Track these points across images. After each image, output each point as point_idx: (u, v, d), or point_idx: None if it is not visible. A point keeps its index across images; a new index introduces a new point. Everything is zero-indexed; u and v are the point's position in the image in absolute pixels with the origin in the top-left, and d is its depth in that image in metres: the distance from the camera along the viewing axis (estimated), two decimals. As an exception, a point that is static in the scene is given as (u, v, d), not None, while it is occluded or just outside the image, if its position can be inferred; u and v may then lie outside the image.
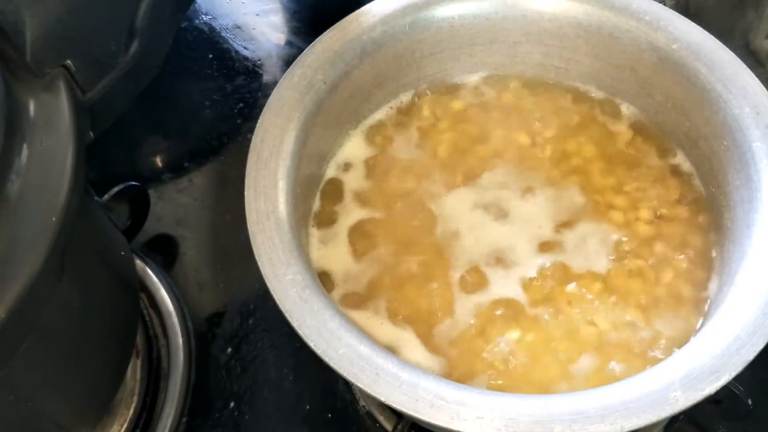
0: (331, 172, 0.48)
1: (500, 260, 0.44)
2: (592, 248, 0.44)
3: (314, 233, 0.46)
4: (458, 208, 0.46)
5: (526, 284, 0.43)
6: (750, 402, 0.44)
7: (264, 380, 0.51)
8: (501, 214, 0.46)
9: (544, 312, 0.42)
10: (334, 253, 0.45)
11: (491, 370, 0.40)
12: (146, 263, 0.55)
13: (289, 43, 0.70)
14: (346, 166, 0.48)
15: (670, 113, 0.47)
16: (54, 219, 0.32)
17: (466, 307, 0.42)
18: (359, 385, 0.34)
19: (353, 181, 0.48)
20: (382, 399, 0.34)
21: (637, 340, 0.41)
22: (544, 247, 0.44)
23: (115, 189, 0.51)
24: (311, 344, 0.35)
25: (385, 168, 0.48)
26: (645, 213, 0.45)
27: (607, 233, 0.45)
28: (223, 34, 0.71)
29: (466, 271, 0.44)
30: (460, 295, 0.43)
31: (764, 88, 0.43)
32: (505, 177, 0.48)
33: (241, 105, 0.65)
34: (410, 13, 0.48)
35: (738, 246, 0.40)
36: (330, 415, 0.49)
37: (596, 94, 0.51)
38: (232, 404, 0.50)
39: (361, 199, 0.47)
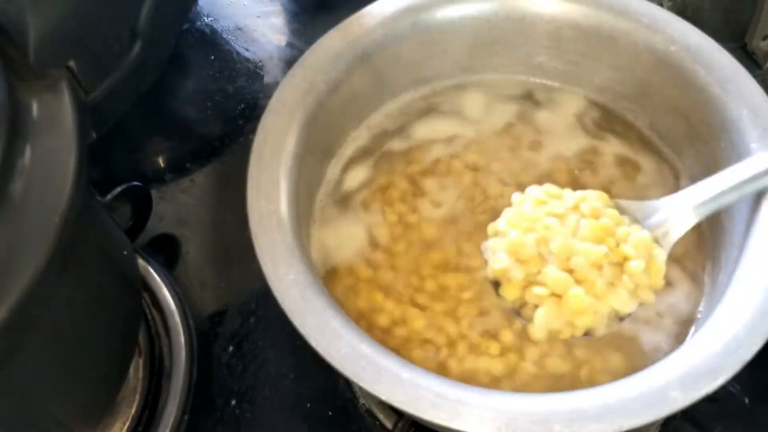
0: (332, 172, 0.49)
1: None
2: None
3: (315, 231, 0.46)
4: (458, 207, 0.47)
5: None
6: (747, 401, 0.45)
7: (265, 379, 0.51)
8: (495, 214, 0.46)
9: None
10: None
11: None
12: (148, 263, 0.55)
13: (290, 44, 0.70)
14: (348, 166, 0.49)
15: (667, 115, 0.48)
16: (57, 219, 0.32)
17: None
18: (360, 384, 0.35)
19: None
20: (384, 398, 0.34)
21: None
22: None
23: (118, 189, 0.51)
24: (313, 343, 0.36)
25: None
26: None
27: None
28: (224, 35, 0.71)
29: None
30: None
31: (762, 90, 0.43)
32: (501, 173, 0.48)
33: (243, 106, 0.65)
34: (411, 15, 0.48)
35: (735, 246, 0.40)
36: (330, 413, 0.49)
37: (595, 96, 0.51)
38: (233, 402, 0.50)
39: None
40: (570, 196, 0.40)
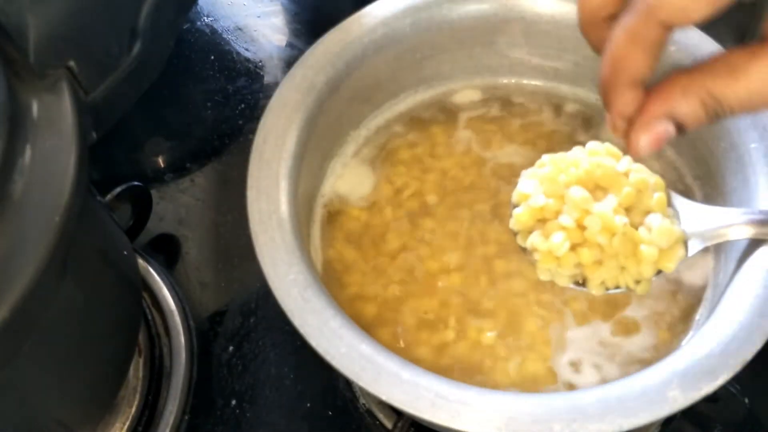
0: (332, 171, 0.49)
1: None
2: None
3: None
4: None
5: None
6: (746, 401, 0.45)
7: (265, 378, 0.51)
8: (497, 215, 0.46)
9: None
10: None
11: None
12: (148, 263, 0.55)
13: (290, 44, 0.70)
14: (347, 166, 0.49)
15: (668, 115, 0.48)
16: (57, 219, 0.32)
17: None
18: (360, 384, 0.35)
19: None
20: (384, 398, 0.34)
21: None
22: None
23: (118, 189, 0.52)
24: (313, 343, 0.36)
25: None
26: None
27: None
28: (224, 35, 0.71)
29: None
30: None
31: (761, 90, 0.43)
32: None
33: (243, 106, 0.65)
34: (411, 14, 0.48)
35: (736, 246, 0.40)
36: (330, 413, 0.50)
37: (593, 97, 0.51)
38: (233, 402, 0.50)
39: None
40: (626, 162, 0.39)
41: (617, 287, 0.38)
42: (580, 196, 0.37)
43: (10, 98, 0.33)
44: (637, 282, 0.38)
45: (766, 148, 0.41)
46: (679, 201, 0.39)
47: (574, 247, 0.37)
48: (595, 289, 0.38)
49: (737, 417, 0.46)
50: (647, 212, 0.38)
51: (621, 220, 0.37)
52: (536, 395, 0.37)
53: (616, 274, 0.38)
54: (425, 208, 0.47)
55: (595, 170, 0.38)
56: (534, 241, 0.38)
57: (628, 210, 0.38)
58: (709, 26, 0.46)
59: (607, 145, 0.40)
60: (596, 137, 0.49)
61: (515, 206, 0.39)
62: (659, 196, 0.38)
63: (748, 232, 0.37)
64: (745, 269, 0.38)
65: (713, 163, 0.44)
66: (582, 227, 0.37)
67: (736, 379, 0.34)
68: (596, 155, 0.39)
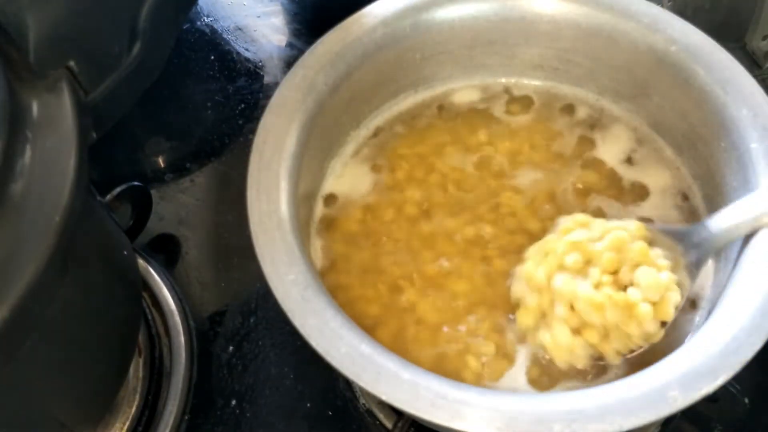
0: (332, 171, 0.49)
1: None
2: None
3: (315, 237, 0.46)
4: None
5: None
6: (746, 401, 0.45)
7: (265, 378, 0.51)
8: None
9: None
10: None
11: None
12: (148, 263, 0.55)
13: (289, 44, 0.70)
14: (347, 165, 0.49)
15: (667, 115, 0.48)
16: (57, 219, 0.32)
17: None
18: (360, 384, 0.35)
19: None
20: (384, 398, 0.34)
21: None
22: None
23: (118, 189, 0.52)
24: (313, 343, 0.36)
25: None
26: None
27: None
28: (224, 35, 0.71)
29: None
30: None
31: (761, 90, 0.43)
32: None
33: (243, 106, 0.65)
34: (411, 15, 0.48)
35: (735, 246, 0.40)
36: (330, 413, 0.50)
37: (595, 96, 0.51)
38: (233, 402, 0.50)
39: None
40: (599, 226, 0.40)
41: (632, 351, 0.39)
42: (562, 284, 0.38)
43: (10, 98, 0.33)
44: (647, 337, 0.38)
45: (766, 148, 0.41)
46: (671, 231, 0.40)
47: (578, 331, 0.38)
48: (613, 359, 0.39)
49: (737, 417, 0.46)
50: (637, 265, 0.38)
51: (603, 295, 0.37)
52: (536, 395, 0.37)
53: (626, 341, 0.38)
54: (425, 208, 0.47)
55: (570, 250, 0.39)
56: (543, 340, 0.39)
57: (615, 273, 0.38)
58: (709, 26, 0.46)
59: (576, 217, 0.41)
60: (597, 136, 0.49)
61: (516, 305, 0.41)
62: (640, 247, 0.38)
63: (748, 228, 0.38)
64: (745, 269, 0.38)
65: (713, 163, 0.44)
66: (574, 309, 0.38)
67: (736, 379, 0.34)
68: (568, 232, 0.40)
